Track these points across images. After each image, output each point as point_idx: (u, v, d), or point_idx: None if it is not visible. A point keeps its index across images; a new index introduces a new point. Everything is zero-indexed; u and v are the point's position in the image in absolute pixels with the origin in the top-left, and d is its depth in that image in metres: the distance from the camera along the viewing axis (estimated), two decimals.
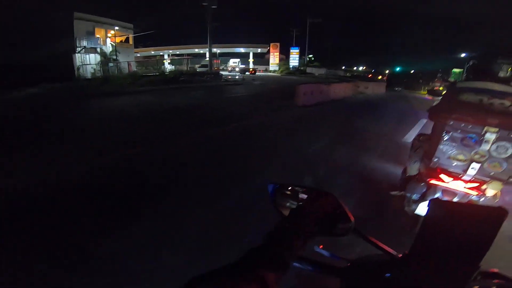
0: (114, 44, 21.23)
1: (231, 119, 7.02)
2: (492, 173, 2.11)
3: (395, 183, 3.02)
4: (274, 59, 43.11)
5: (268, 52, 43.97)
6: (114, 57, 20.28)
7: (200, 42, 35.93)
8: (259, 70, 38.11)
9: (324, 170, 3.96)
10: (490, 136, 2.05)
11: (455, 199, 2.23)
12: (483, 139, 2.07)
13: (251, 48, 43.97)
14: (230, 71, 33.24)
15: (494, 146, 2.06)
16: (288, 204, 0.65)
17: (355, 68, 53.52)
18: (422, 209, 2.31)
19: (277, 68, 41.19)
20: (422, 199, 2.36)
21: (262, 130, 6.20)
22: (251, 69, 35.56)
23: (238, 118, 7.05)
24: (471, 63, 2.80)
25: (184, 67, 26.21)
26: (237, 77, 24.82)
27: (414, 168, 2.60)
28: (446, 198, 2.26)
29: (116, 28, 21.76)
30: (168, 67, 26.27)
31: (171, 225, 2.43)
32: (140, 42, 29.55)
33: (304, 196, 0.63)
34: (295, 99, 10.02)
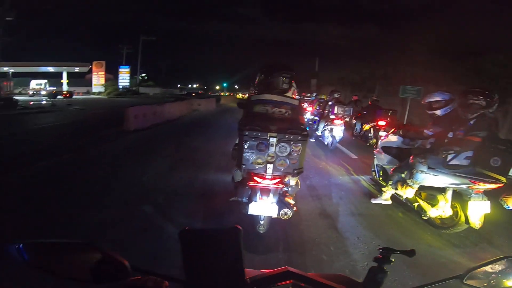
0: None
1: (33, 157, 5.18)
2: (282, 169, 2.55)
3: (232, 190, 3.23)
4: (98, 79, 37.35)
5: (90, 71, 37.55)
6: None
7: None
8: (77, 93, 31.66)
9: (164, 195, 3.77)
10: (273, 140, 2.46)
11: (271, 195, 2.54)
12: (269, 143, 2.47)
13: (64, 67, 35.67)
14: (32, 95, 25.42)
15: (277, 148, 2.49)
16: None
17: (189, 86, 56.39)
18: (252, 209, 2.53)
19: (102, 90, 35.93)
20: (249, 200, 2.59)
21: (80, 169, 4.97)
22: (65, 92, 28.88)
23: (44, 156, 5.27)
24: (259, 77, 3.06)
25: None
26: (43, 102, 19.24)
27: (238, 175, 2.81)
28: (264, 196, 2.53)
29: None
30: None
31: None
32: None
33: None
34: (125, 124, 8.98)
